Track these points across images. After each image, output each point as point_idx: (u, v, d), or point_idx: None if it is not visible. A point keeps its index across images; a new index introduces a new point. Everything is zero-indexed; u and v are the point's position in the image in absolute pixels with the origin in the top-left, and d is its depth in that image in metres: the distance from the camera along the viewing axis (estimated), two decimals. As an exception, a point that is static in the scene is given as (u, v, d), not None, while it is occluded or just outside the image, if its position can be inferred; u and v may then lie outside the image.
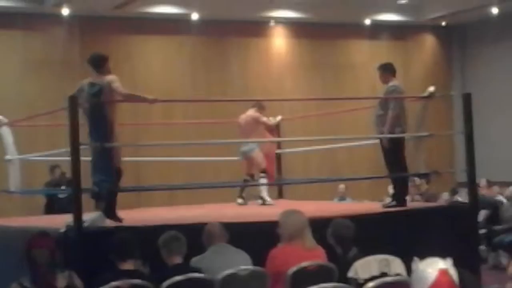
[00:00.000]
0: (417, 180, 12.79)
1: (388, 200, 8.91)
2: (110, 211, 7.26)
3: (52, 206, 12.34)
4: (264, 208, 9.96)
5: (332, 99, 15.50)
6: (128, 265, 5.82)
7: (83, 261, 6.31)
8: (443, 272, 3.43)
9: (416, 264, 3.50)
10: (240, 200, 10.49)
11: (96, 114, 7.23)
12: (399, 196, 8.73)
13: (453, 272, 3.47)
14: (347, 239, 6.29)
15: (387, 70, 8.92)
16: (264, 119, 10.58)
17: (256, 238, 6.67)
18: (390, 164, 8.72)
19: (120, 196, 7.66)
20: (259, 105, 10.61)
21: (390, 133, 8.50)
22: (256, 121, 10.43)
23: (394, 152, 8.61)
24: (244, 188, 10.65)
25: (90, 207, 7.41)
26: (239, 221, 7.36)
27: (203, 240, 6.34)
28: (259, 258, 6.12)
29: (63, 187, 12.36)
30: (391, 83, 8.78)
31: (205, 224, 6.48)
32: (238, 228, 6.74)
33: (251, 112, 10.49)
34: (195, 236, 6.25)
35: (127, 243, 5.91)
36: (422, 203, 10.53)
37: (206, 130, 14.34)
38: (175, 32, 16.28)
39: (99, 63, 7.40)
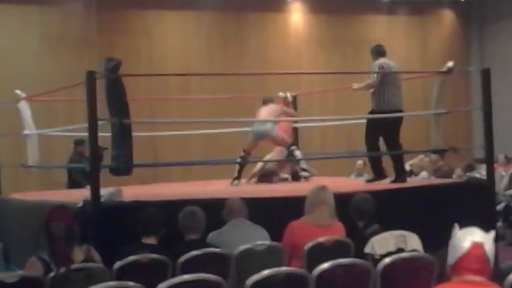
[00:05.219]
0: (432, 156, 12.73)
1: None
2: None
3: (75, 181, 12.18)
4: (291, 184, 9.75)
5: (345, 73, 15.37)
6: (151, 240, 5.90)
7: (100, 235, 6.35)
8: (477, 246, 3.37)
9: (455, 230, 3.47)
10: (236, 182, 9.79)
11: (112, 89, 7.22)
12: (399, 173, 8.89)
13: (488, 247, 3.41)
14: (367, 212, 6.34)
15: (372, 52, 9.00)
16: (287, 110, 10.26)
17: (275, 213, 6.68)
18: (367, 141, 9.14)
19: (137, 171, 7.67)
20: (270, 100, 10.25)
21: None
22: (279, 113, 10.06)
23: (373, 130, 8.90)
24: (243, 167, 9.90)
25: (110, 182, 7.42)
26: (257, 197, 7.35)
27: (224, 215, 6.36)
28: (277, 234, 6.14)
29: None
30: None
31: (224, 199, 6.50)
32: (256, 204, 6.74)
33: (272, 108, 10.04)
34: (214, 211, 6.27)
35: (154, 218, 5.97)
36: (438, 179, 10.48)
37: (222, 105, 14.32)
38: (192, 7, 16.23)
39: None
